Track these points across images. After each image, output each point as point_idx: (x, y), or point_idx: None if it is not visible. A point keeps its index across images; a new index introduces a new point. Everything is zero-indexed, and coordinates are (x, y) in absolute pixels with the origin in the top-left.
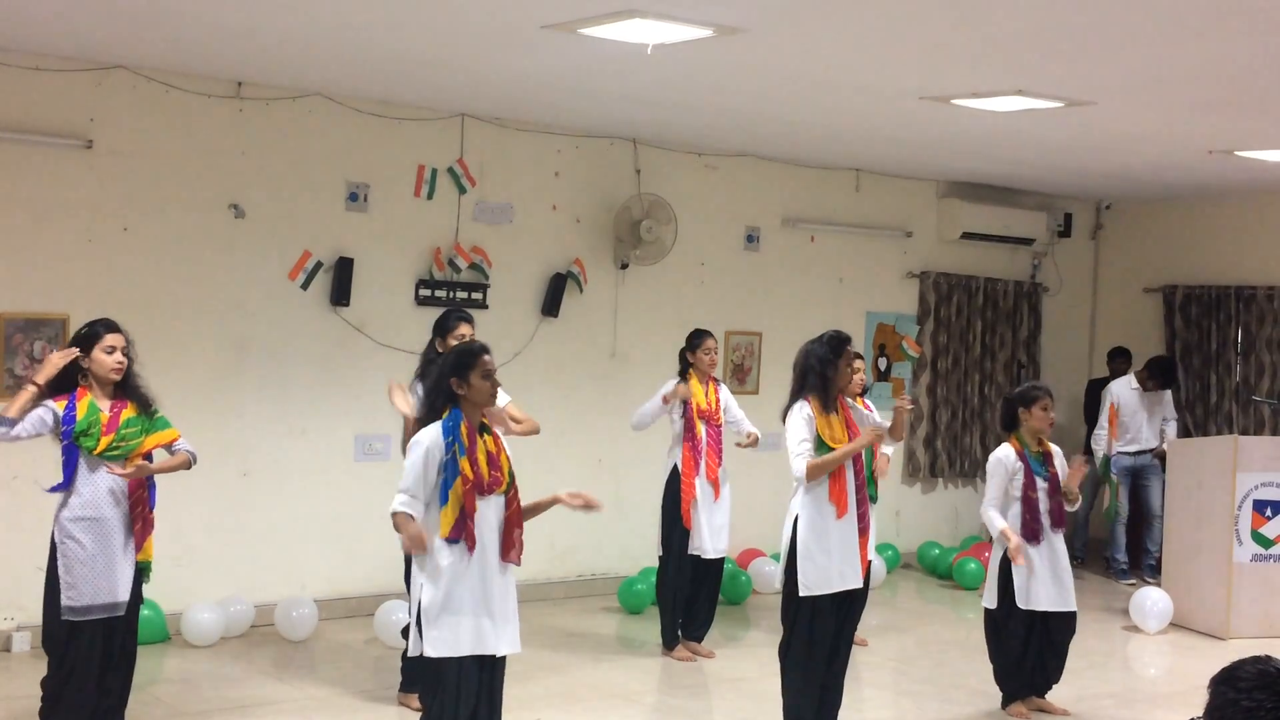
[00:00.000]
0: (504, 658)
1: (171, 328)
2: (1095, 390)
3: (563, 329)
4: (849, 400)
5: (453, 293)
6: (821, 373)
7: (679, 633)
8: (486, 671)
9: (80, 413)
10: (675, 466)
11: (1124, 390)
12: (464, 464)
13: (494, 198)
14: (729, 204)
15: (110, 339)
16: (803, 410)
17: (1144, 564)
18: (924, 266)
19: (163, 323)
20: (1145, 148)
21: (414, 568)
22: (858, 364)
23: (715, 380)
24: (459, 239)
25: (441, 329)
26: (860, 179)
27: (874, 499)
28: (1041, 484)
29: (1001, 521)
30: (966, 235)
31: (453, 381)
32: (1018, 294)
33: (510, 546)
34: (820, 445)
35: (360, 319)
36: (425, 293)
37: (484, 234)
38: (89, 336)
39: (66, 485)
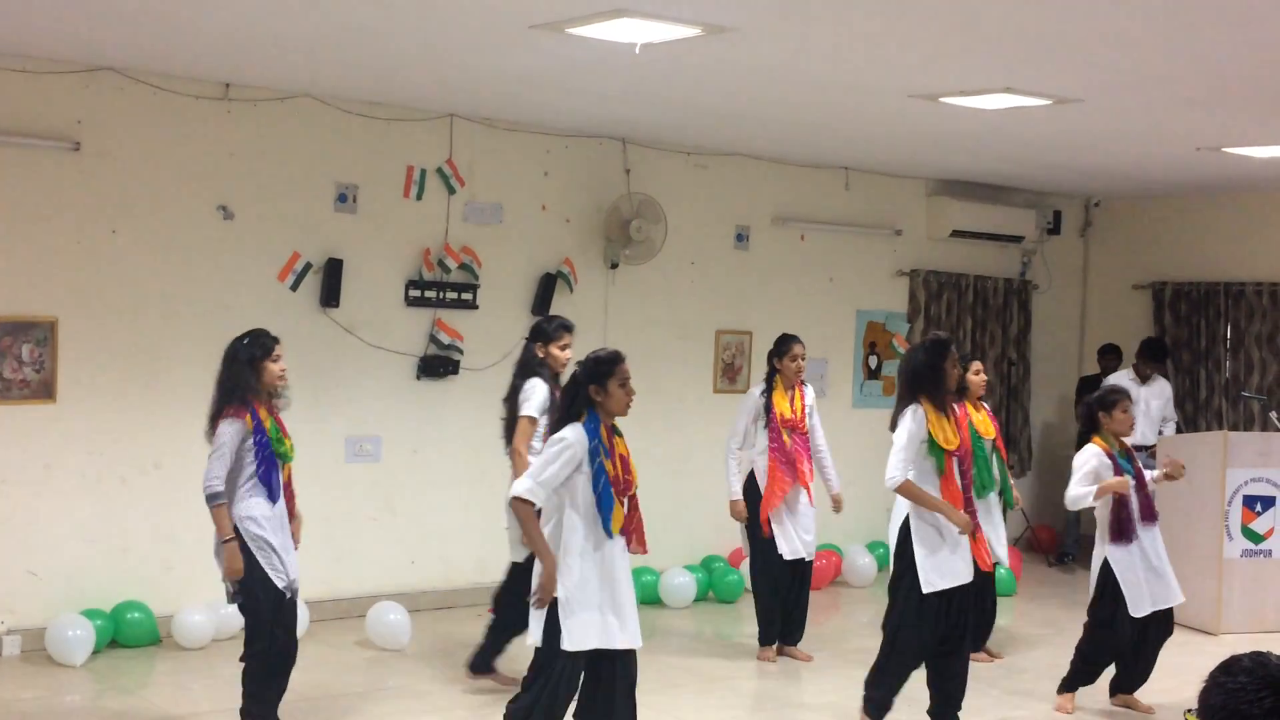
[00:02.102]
0: (633, 650)
1: (160, 330)
2: (1086, 387)
3: None
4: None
5: (443, 293)
6: (931, 376)
7: (774, 634)
8: (619, 664)
9: (267, 425)
10: (752, 474)
11: (1119, 385)
12: (608, 465)
13: (483, 198)
14: (719, 203)
15: (277, 349)
16: (916, 413)
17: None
18: (914, 264)
19: (151, 325)
20: (1133, 145)
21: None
22: (976, 366)
23: (802, 384)
24: (448, 239)
25: (544, 335)
26: (850, 177)
27: (1009, 504)
28: (1130, 481)
29: (1090, 485)
30: (956, 233)
31: (592, 388)
32: (1007, 291)
33: (639, 538)
34: (933, 446)
35: (350, 320)
36: (415, 293)
37: (474, 234)
38: (264, 347)
39: (276, 499)
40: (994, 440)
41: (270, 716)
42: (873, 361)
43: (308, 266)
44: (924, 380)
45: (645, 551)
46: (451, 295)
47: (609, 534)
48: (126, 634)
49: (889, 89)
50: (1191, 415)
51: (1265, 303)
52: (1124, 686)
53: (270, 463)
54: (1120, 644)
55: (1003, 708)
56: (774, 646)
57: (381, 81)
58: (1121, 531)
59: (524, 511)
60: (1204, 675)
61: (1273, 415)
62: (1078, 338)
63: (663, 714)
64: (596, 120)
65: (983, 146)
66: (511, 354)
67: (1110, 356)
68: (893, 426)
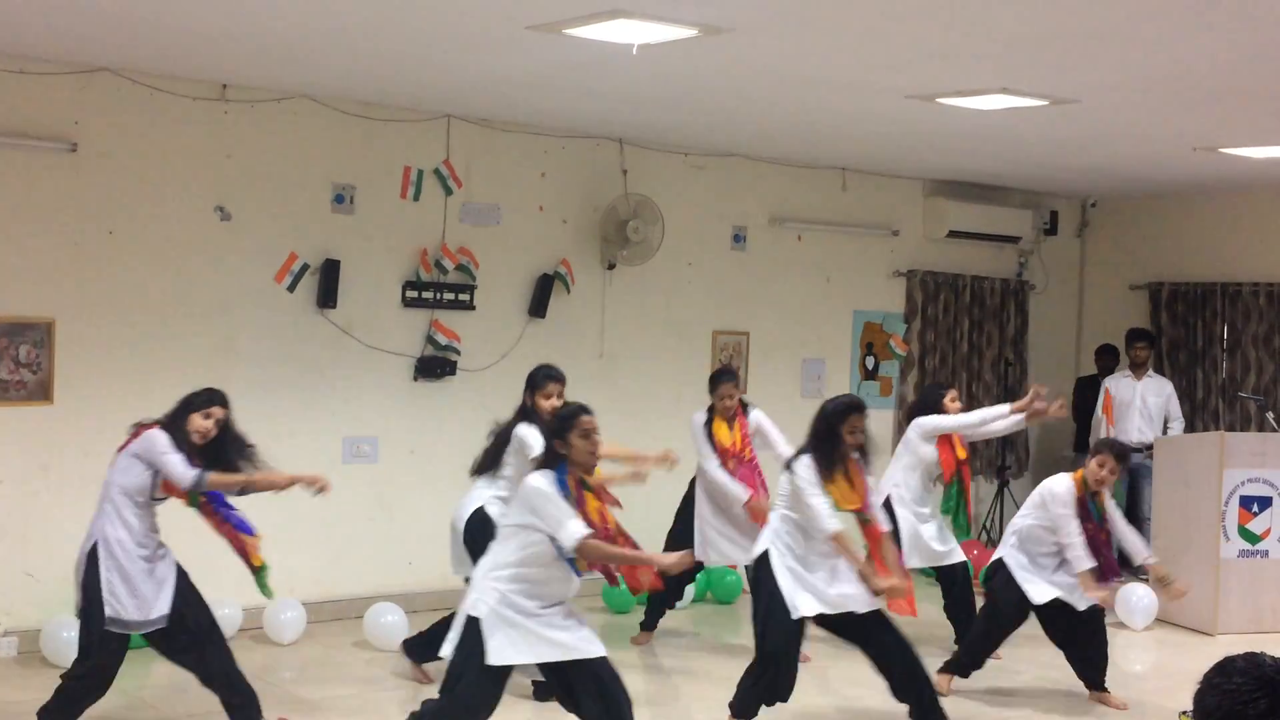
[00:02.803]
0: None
1: (157, 331)
2: (1083, 388)
3: (550, 330)
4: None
5: (440, 294)
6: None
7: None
8: (587, 667)
9: None
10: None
11: (1115, 382)
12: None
13: (480, 199)
14: (716, 204)
15: (211, 409)
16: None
17: (1135, 564)
18: (910, 265)
19: (148, 326)
20: (1130, 145)
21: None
22: (952, 394)
23: (743, 413)
24: (446, 240)
25: (532, 383)
26: (846, 178)
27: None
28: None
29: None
30: (953, 234)
31: (556, 443)
32: (1004, 292)
33: (635, 577)
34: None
35: (347, 321)
36: (412, 294)
37: (471, 235)
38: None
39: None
40: (961, 466)
41: None
42: (870, 362)
43: (305, 267)
44: (820, 440)
45: (659, 587)
46: (449, 296)
47: (576, 574)
48: None
49: (886, 89)
50: (1188, 416)
51: (1262, 303)
52: (1091, 683)
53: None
54: (1006, 628)
55: (998, 707)
56: (650, 634)
57: (378, 82)
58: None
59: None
60: (1199, 676)
61: (1269, 416)
62: (1074, 338)
63: (662, 715)
64: (593, 121)
65: (979, 147)
66: (509, 354)
67: (1107, 357)
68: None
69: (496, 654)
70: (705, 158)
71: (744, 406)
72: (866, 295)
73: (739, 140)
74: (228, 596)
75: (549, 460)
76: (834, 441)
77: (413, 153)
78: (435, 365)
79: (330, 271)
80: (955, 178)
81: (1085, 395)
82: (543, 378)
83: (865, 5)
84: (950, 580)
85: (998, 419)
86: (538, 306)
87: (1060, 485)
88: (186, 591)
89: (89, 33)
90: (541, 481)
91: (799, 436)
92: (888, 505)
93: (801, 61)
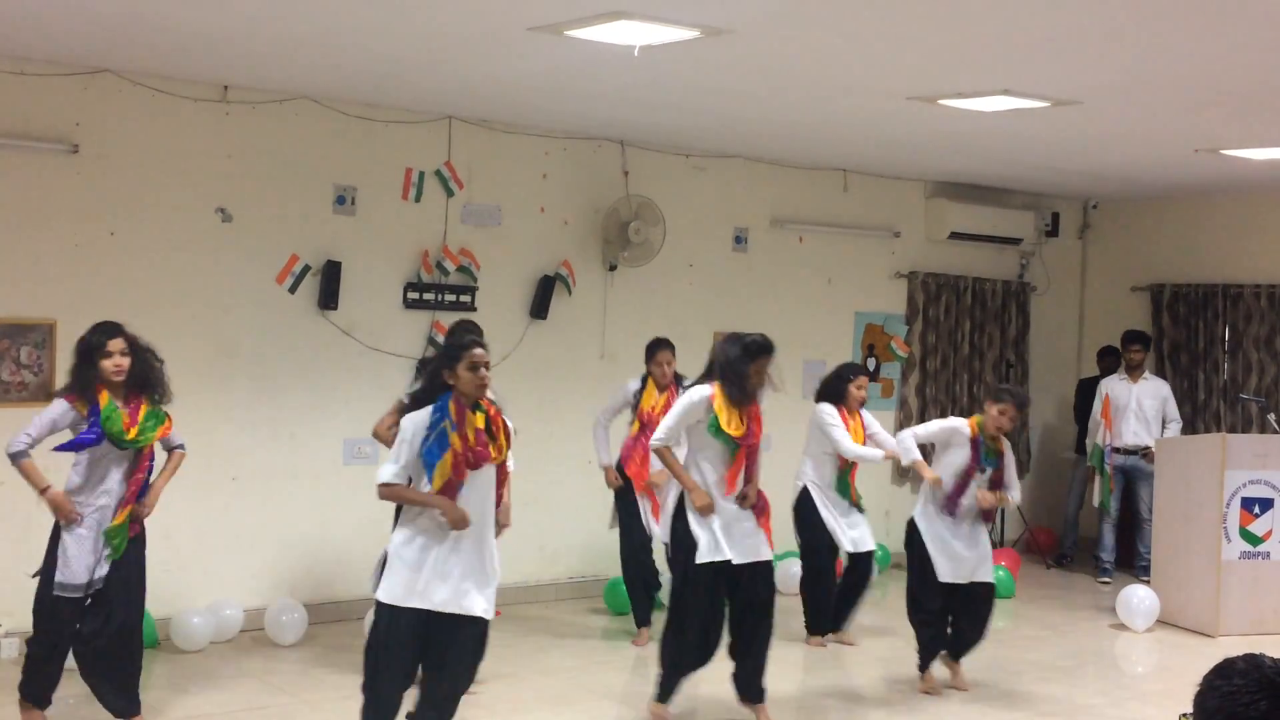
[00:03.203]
0: (479, 619)
1: (159, 332)
2: (1085, 389)
3: (551, 331)
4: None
5: (441, 295)
6: (734, 372)
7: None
8: (460, 630)
9: (103, 403)
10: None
11: (1112, 385)
12: (454, 438)
13: (482, 200)
14: (717, 205)
15: (110, 344)
16: (702, 391)
17: (1136, 566)
18: (912, 266)
19: (150, 327)
20: (1132, 147)
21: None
22: (860, 381)
23: (676, 388)
24: (447, 241)
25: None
26: (848, 179)
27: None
28: (981, 473)
29: (917, 454)
30: (954, 235)
31: (444, 372)
32: (1006, 293)
33: (502, 515)
34: (718, 431)
35: (348, 322)
36: (414, 296)
37: (472, 236)
38: (93, 346)
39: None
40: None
41: (41, 698)
42: (871, 364)
43: (306, 269)
44: (725, 374)
45: (505, 524)
46: (450, 297)
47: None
48: None
49: (887, 91)
50: (1190, 417)
51: (1263, 304)
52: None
53: (92, 438)
54: (930, 605)
55: (1000, 709)
56: (646, 629)
57: (380, 83)
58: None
59: (387, 493)
60: (1200, 678)
61: (1271, 417)
62: (1076, 340)
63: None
64: (595, 122)
65: (981, 148)
66: (511, 355)
67: (1110, 358)
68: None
69: (382, 591)
70: (707, 159)
71: (679, 380)
72: (868, 296)
73: (740, 142)
74: (229, 597)
75: (434, 390)
76: (742, 379)
77: (414, 154)
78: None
79: (331, 273)
80: (957, 179)
81: (1087, 397)
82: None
83: (867, 7)
84: (853, 567)
85: (872, 460)
86: (539, 308)
87: (959, 421)
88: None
89: (90, 34)
90: (405, 422)
91: (799, 438)
92: (806, 498)
93: (803, 63)
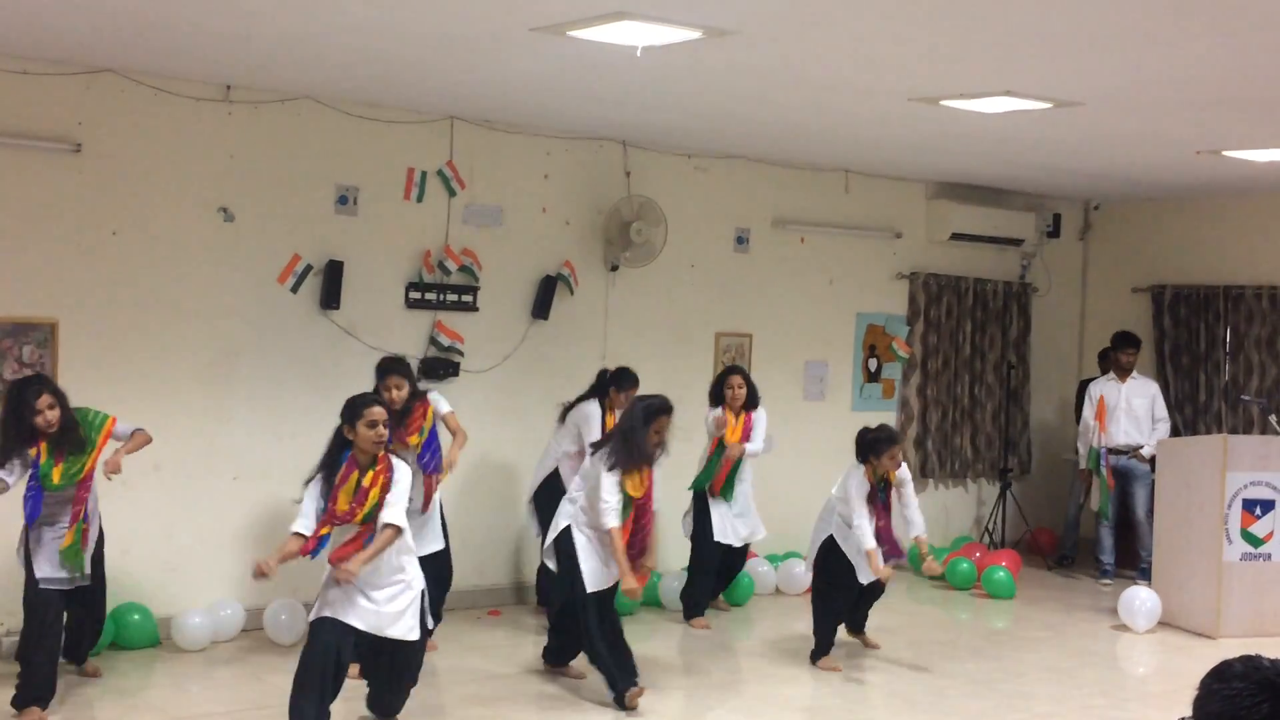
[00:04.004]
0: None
1: (161, 332)
2: (1086, 390)
3: (553, 331)
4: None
5: (443, 295)
6: (636, 436)
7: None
8: (386, 654)
9: (42, 459)
10: (556, 472)
11: (1102, 386)
12: (332, 500)
13: (484, 200)
14: (719, 205)
15: (38, 402)
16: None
17: (1138, 568)
18: (913, 267)
19: (152, 327)
20: (1133, 148)
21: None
22: (738, 380)
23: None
24: (449, 241)
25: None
26: (850, 180)
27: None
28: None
29: (872, 542)
30: (956, 236)
31: (345, 429)
32: (1007, 294)
33: (342, 558)
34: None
35: (350, 322)
36: (415, 295)
37: (474, 236)
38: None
39: (32, 520)
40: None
41: (42, 692)
42: (872, 364)
43: (308, 268)
44: (626, 439)
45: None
46: (452, 297)
47: (315, 550)
48: (126, 636)
49: (889, 92)
50: (1191, 419)
51: (1265, 306)
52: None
53: (35, 496)
54: (841, 605)
55: (1001, 710)
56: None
57: (382, 83)
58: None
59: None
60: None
61: (1272, 419)
62: (1077, 341)
63: (655, 715)
64: (597, 123)
65: (983, 149)
66: (512, 356)
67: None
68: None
69: (315, 609)
70: (708, 159)
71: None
72: (869, 297)
73: (742, 142)
74: (229, 597)
75: (338, 445)
76: (642, 440)
77: (416, 154)
78: (438, 366)
79: (333, 272)
80: (958, 180)
81: None
82: (383, 372)
83: (869, 8)
84: (729, 560)
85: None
86: (541, 308)
87: (854, 478)
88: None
89: (93, 34)
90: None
91: (800, 439)
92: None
93: (805, 64)
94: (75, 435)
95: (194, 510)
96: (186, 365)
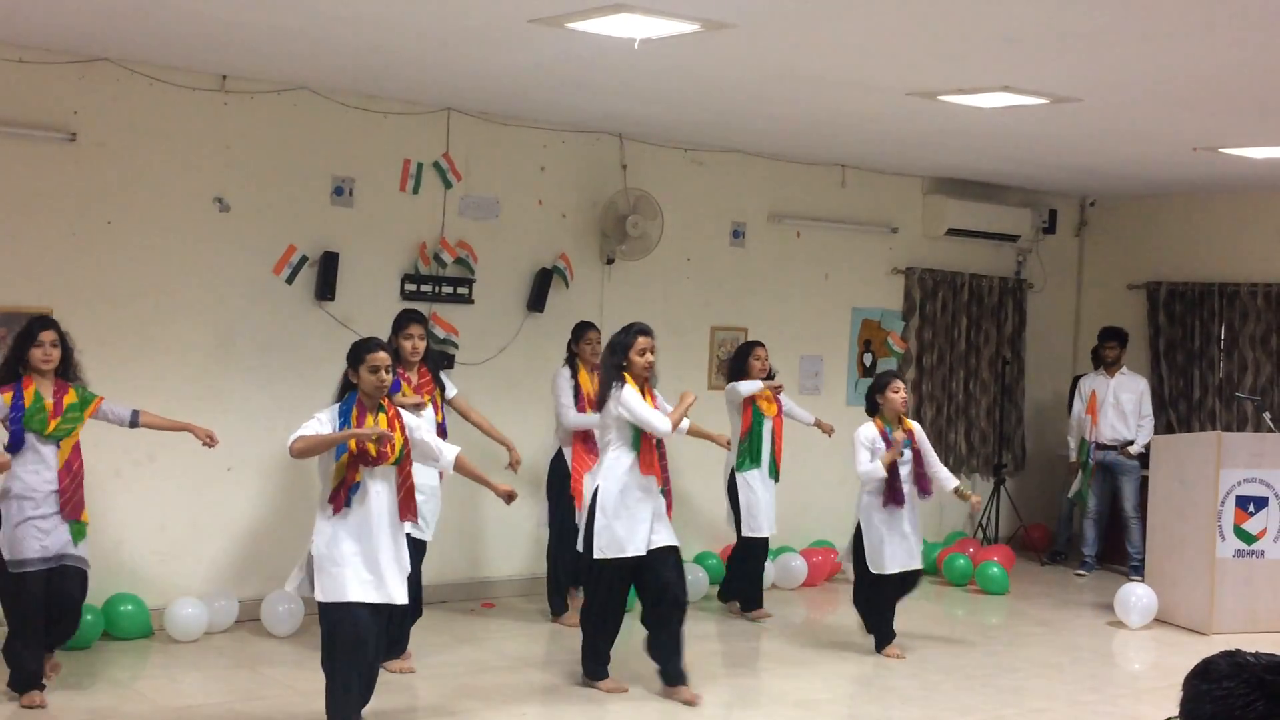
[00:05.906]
0: (400, 605)
1: (155, 322)
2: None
3: (548, 324)
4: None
5: (438, 287)
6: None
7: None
8: (382, 617)
9: (28, 400)
10: (560, 453)
11: (1092, 381)
12: (350, 440)
13: (480, 192)
14: (715, 199)
15: (41, 335)
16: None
17: (1129, 565)
18: (909, 262)
19: (146, 317)
20: (1130, 144)
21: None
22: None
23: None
24: (444, 233)
25: (395, 326)
26: (846, 175)
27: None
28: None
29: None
30: (952, 231)
31: (349, 373)
32: (1003, 290)
33: (407, 508)
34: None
35: (345, 314)
36: (411, 287)
37: (470, 229)
38: (25, 335)
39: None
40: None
41: (30, 680)
42: (867, 359)
43: (303, 259)
44: (616, 362)
45: (413, 520)
46: (447, 289)
47: (348, 500)
48: (119, 626)
49: (887, 86)
50: (1185, 416)
51: (1260, 303)
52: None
53: (15, 433)
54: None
55: (994, 705)
56: (566, 615)
57: (379, 75)
58: (892, 496)
59: (300, 444)
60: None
61: (1266, 416)
62: (1072, 337)
63: (651, 716)
64: (594, 115)
65: (980, 145)
66: (507, 348)
67: None
68: (600, 404)
69: (319, 591)
70: (705, 153)
71: None
72: (865, 292)
73: (739, 136)
74: (226, 587)
75: (342, 390)
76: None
77: (412, 146)
78: (433, 358)
79: (329, 264)
80: (955, 175)
81: None
82: (404, 319)
83: (867, 2)
84: (748, 550)
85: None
86: (536, 301)
87: (861, 435)
88: None
89: (88, 22)
90: (320, 414)
91: (795, 433)
92: (732, 480)
93: (803, 58)
94: (75, 386)
95: (187, 500)
96: (181, 355)
